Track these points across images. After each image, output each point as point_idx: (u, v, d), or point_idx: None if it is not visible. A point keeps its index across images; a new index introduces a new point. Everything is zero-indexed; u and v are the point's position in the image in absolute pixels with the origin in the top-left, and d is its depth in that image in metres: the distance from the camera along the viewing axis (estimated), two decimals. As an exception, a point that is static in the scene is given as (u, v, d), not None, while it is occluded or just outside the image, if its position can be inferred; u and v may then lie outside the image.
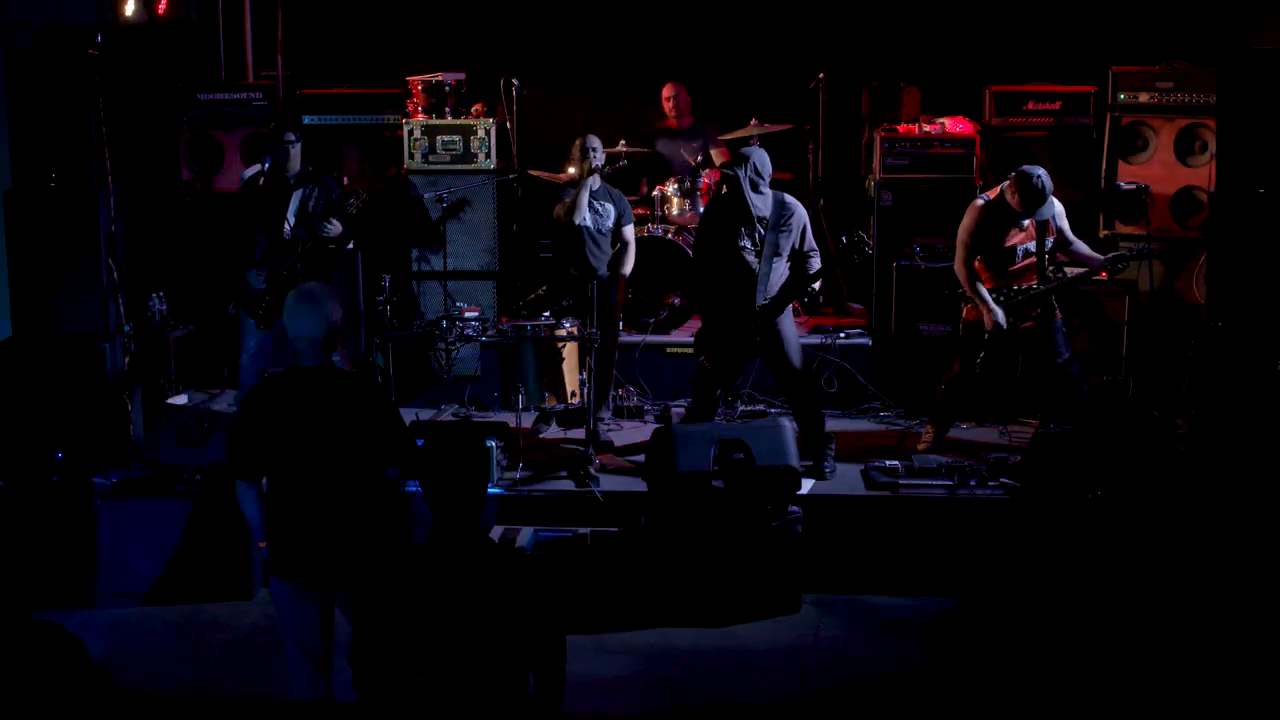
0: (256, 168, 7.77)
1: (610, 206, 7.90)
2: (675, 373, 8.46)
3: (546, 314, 7.74)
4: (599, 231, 7.85)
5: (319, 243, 7.46)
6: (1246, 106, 7.15)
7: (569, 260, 7.87)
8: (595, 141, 7.86)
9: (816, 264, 7.28)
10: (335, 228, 7.42)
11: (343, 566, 4.61)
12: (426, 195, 8.79)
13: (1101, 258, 7.34)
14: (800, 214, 7.24)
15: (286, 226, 7.44)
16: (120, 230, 7.59)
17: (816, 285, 7.29)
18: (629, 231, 7.95)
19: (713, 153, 9.36)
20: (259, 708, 5.31)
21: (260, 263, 7.46)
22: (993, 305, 7.26)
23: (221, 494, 6.76)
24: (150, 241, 8.61)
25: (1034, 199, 7.10)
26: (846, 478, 7.28)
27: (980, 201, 7.33)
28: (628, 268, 7.99)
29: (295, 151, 7.51)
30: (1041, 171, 7.14)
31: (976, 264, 7.32)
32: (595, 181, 7.84)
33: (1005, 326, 7.25)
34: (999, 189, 7.30)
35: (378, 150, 9.28)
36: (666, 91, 9.50)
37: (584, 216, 7.80)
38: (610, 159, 9.23)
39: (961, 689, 5.80)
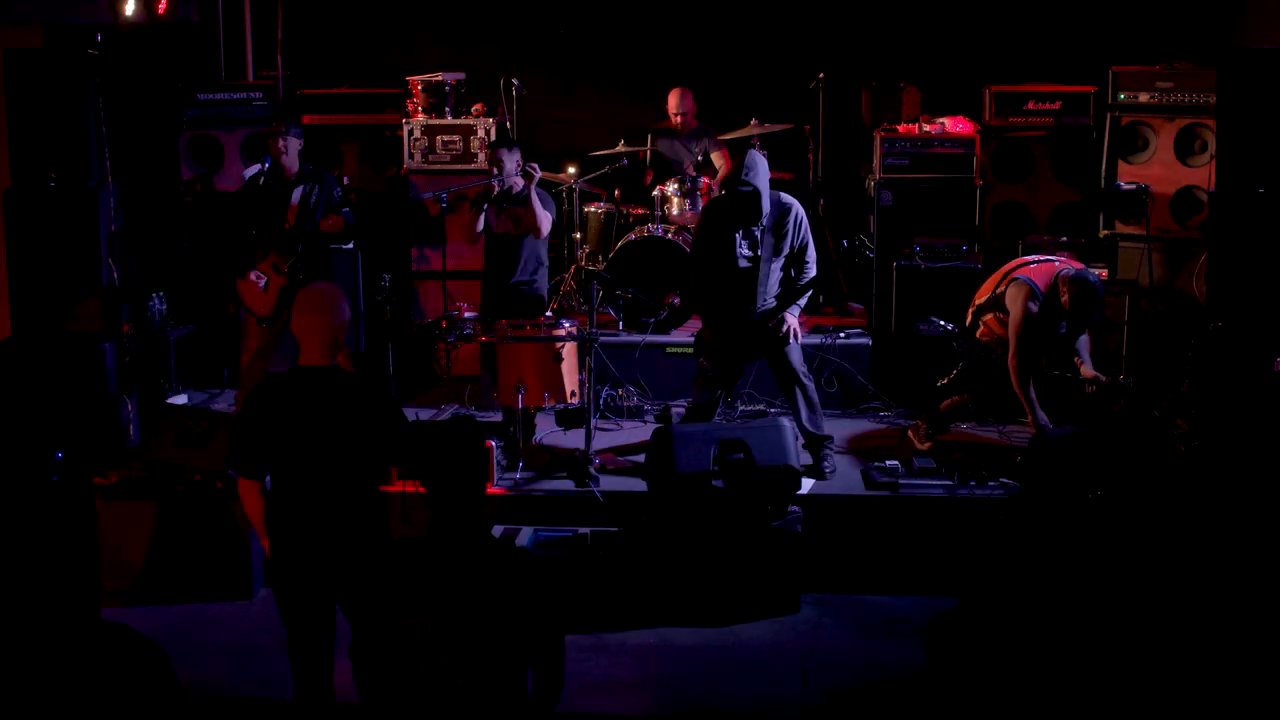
0: (256, 167, 7.78)
1: (521, 210, 7.85)
2: (675, 373, 8.46)
3: (548, 314, 7.76)
4: (517, 237, 7.80)
5: (320, 240, 7.48)
6: (1246, 106, 7.15)
7: (492, 265, 7.87)
8: (503, 155, 7.64)
9: (812, 272, 7.27)
10: (335, 223, 7.46)
11: (344, 565, 4.62)
12: (426, 195, 8.79)
13: (1091, 371, 7.20)
14: (797, 212, 7.24)
15: (287, 224, 7.45)
16: (120, 230, 7.59)
17: (805, 298, 7.30)
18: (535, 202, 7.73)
19: (713, 156, 9.35)
20: (259, 708, 5.31)
21: (261, 261, 7.46)
22: (1040, 413, 7.12)
23: (221, 494, 6.76)
24: (150, 241, 8.61)
25: (1090, 308, 6.99)
26: (846, 478, 7.28)
27: (1034, 308, 7.06)
28: (542, 224, 7.70)
29: (293, 146, 7.52)
30: (1099, 281, 7.02)
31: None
32: (515, 184, 7.71)
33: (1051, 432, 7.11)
34: (1049, 280, 7.08)
35: (378, 150, 9.29)
36: (672, 100, 9.43)
37: (490, 224, 7.75)
38: (610, 159, 9.28)
39: (962, 689, 5.80)
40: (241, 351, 7.70)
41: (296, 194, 7.49)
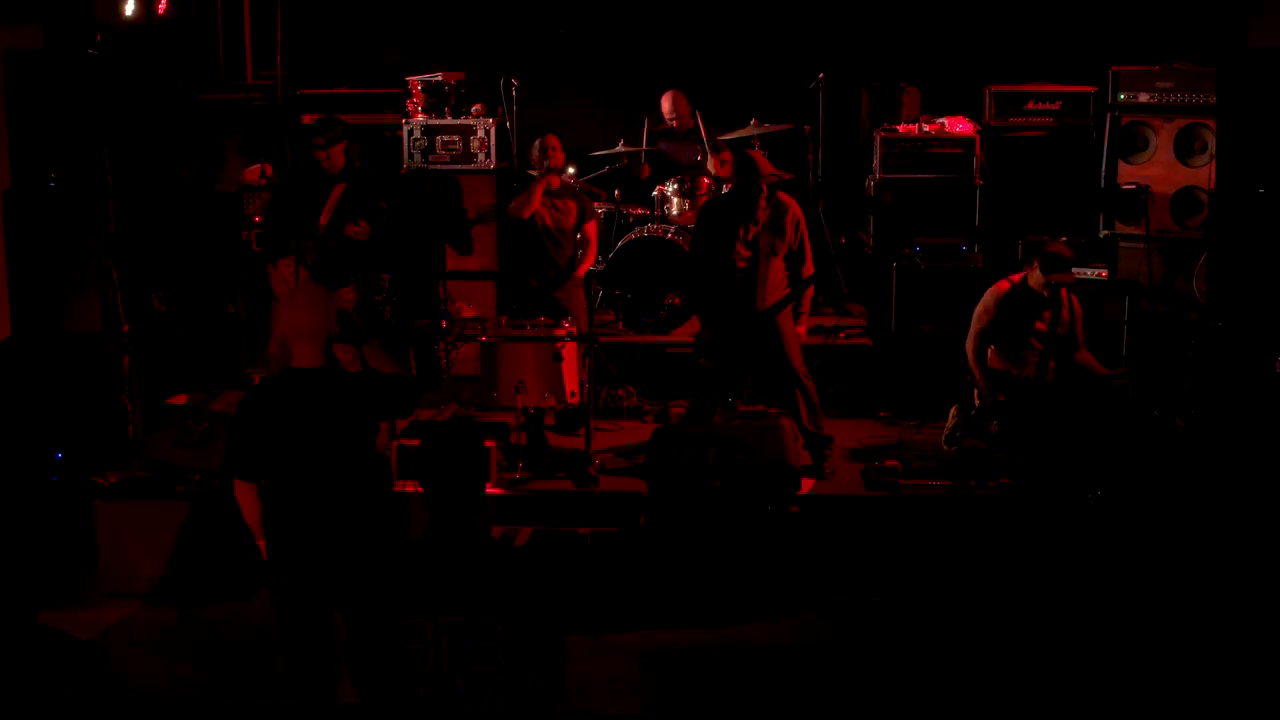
0: (257, 167, 7.79)
1: (572, 204, 7.97)
2: (675, 373, 8.46)
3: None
4: (559, 230, 7.93)
5: (348, 243, 7.50)
6: (1246, 106, 7.15)
7: (529, 259, 7.96)
8: (554, 141, 7.94)
9: (810, 268, 7.30)
10: (361, 229, 7.47)
11: (343, 566, 4.62)
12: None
13: (1105, 370, 7.32)
14: (795, 211, 7.26)
15: (319, 222, 7.49)
16: (120, 230, 7.59)
17: (810, 291, 7.32)
18: (591, 229, 8.02)
19: (711, 159, 9.35)
20: (259, 708, 5.31)
21: (293, 251, 7.48)
22: (987, 391, 7.25)
23: (221, 494, 6.76)
24: (150, 241, 8.60)
25: (1054, 264, 7.09)
26: (846, 478, 7.28)
27: (990, 298, 7.31)
28: (586, 264, 8.06)
29: (337, 150, 7.56)
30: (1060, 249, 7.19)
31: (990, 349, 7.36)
32: (552, 182, 7.90)
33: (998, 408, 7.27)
34: (1024, 274, 7.29)
35: (378, 150, 9.28)
36: (665, 104, 9.47)
37: (537, 213, 7.89)
38: (610, 159, 9.28)
39: (961, 689, 5.80)
40: (270, 341, 7.73)
41: (335, 191, 7.52)
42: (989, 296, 7.33)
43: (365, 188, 7.54)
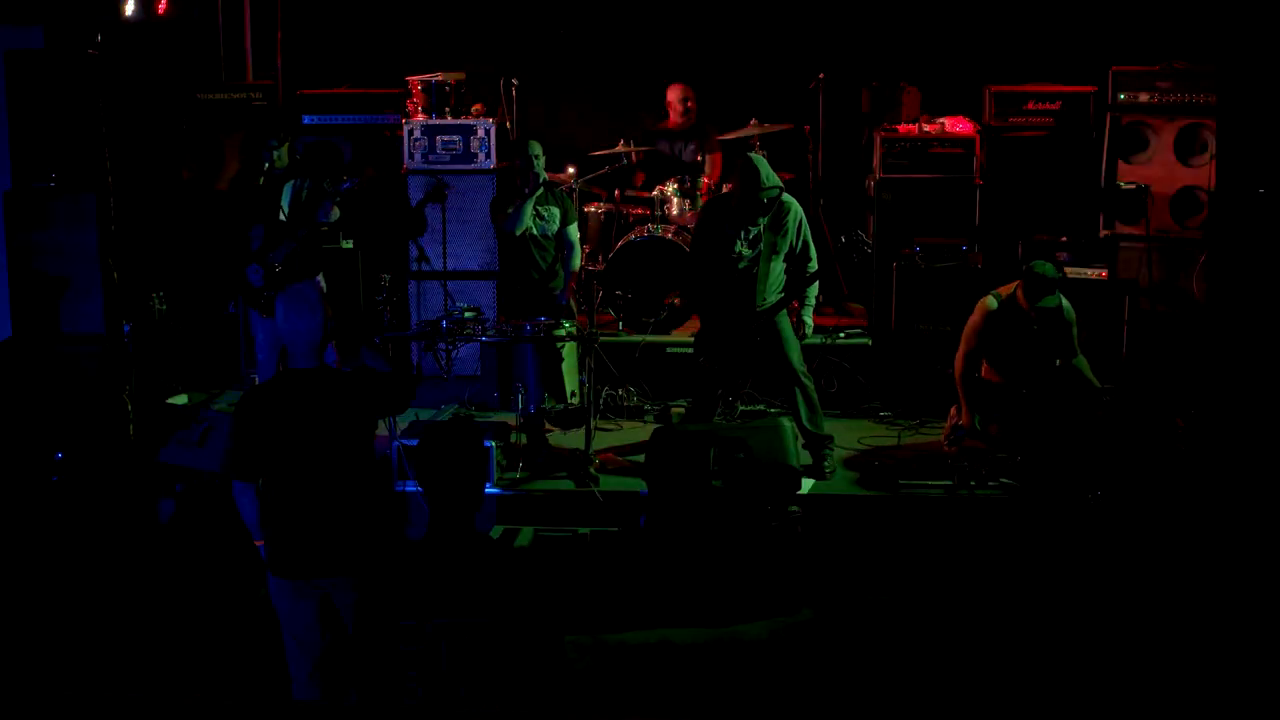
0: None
1: (555, 209, 7.90)
2: (675, 373, 8.47)
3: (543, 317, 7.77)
4: (544, 236, 7.85)
5: (316, 231, 7.52)
6: (1246, 106, 7.15)
7: (516, 265, 7.90)
8: (538, 149, 7.81)
9: (814, 266, 7.30)
10: (331, 213, 7.52)
11: (341, 564, 4.62)
12: (425, 192, 8.78)
13: (1097, 384, 7.32)
14: (796, 212, 7.26)
15: (281, 217, 7.50)
16: (120, 230, 7.59)
17: (815, 286, 7.32)
18: (572, 232, 7.90)
19: (708, 157, 9.35)
20: (259, 708, 5.31)
21: (257, 255, 7.48)
22: (968, 412, 7.26)
23: (221, 494, 6.76)
24: (150, 241, 8.61)
25: (1038, 288, 7.08)
26: (846, 478, 7.28)
27: (979, 317, 7.28)
28: (574, 265, 7.95)
29: (281, 154, 7.64)
30: (1049, 266, 7.18)
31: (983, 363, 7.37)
32: (540, 190, 7.84)
33: (979, 429, 7.28)
34: (1012, 286, 7.28)
35: (378, 150, 9.28)
36: (674, 94, 9.46)
37: (526, 224, 7.85)
38: (610, 159, 9.27)
39: (960, 689, 5.80)
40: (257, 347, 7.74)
41: (288, 189, 7.56)
42: (978, 314, 7.27)
43: (315, 175, 7.59)
